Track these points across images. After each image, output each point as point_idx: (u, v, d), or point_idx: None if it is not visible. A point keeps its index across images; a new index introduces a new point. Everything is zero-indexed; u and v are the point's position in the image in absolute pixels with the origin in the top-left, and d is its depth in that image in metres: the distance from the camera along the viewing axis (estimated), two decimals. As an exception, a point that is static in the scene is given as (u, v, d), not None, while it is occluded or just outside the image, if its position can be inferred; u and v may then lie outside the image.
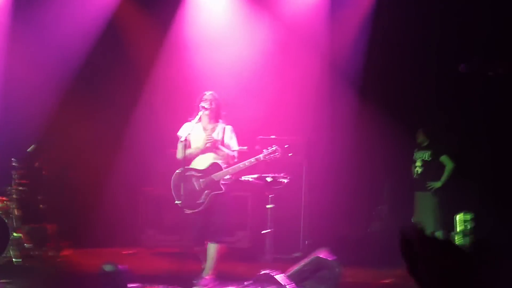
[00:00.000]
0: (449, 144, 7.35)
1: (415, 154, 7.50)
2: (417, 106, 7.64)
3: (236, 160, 5.49)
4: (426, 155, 7.38)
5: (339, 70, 7.60)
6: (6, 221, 6.30)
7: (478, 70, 5.74)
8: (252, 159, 5.34)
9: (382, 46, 7.56)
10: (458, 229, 6.85)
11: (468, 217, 6.76)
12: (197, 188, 5.37)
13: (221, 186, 5.39)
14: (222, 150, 5.48)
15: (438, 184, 7.25)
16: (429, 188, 7.30)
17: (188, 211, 5.26)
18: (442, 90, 7.47)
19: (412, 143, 7.56)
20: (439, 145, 7.35)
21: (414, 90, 7.63)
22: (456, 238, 6.82)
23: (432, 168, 7.32)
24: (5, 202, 6.57)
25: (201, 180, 5.39)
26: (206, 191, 5.37)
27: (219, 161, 5.46)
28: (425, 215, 7.33)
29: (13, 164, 6.56)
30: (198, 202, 5.33)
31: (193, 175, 5.39)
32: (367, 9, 7.65)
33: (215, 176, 5.39)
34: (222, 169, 5.40)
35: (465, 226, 6.81)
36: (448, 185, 7.27)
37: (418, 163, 7.41)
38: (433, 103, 7.59)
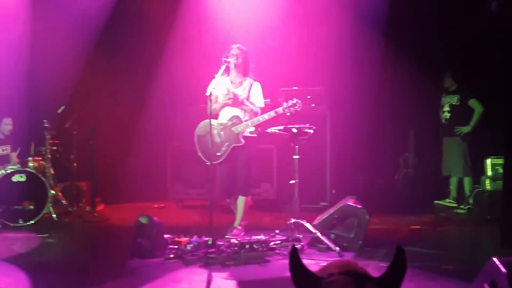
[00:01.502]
0: (478, 88, 7.19)
1: (442, 99, 7.39)
2: (443, 50, 7.45)
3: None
4: (454, 99, 7.25)
5: (362, 16, 7.40)
6: (42, 179, 6.55)
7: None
8: (272, 112, 5.34)
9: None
10: (488, 174, 6.80)
11: (499, 161, 6.69)
12: (218, 140, 5.44)
13: (241, 139, 5.45)
14: (246, 105, 5.51)
15: (467, 129, 7.15)
16: (458, 133, 7.21)
17: (208, 163, 5.36)
18: (470, 33, 7.23)
19: (438, 88, 7.42)
20: (467, 89, 7.20)
21: (440, 34, 7.40)
22: (486, 183, 6.79)
23: (461, 113, 7.21)
24: (40, 162, 6.82)
25: (221, 132, 5.46)
26: (226, 144, 5.45)
27: (242, 115, 5.50)
28: (453, 161, 7.29)
29: (45, 125, 6.77)
30: (218, 154, 5.41)
31: (214, 128, 5.46)
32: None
33: (235, 128, 5.45)
34: (242, 122, 5.45)
35: (496, 170, 6.74)
36: (476, 130, 7.17)
37: (446, 108, 7.30)
38: (460, 47, 7.37)
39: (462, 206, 7.11)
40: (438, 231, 6.15)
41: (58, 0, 7.52)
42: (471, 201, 6.99)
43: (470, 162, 7.21)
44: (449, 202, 7.34)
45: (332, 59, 7.36)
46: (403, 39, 7.41)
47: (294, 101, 5.29)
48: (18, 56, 7.48)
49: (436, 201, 7.38)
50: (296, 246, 4.72)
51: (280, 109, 5.31)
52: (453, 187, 7.36)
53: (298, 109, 5.30)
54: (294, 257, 1.39)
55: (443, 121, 7.36)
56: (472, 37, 7.20)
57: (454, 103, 7.25)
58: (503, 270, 2.87)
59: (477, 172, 7.01)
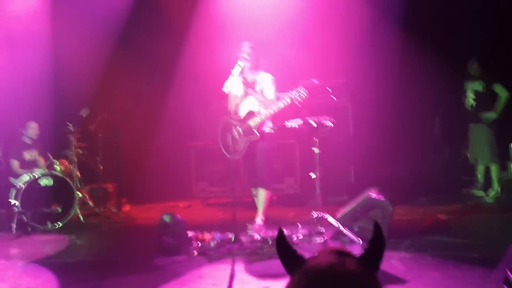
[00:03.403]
0: (503, 73, 7.03)
1: (466, 84, 7.22)
2: (462, 37, 7.31)
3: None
4: (479, 86, 7.09)
5: (381, 5, 7.32)
6: (69, 183, 6.68)
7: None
8: (280, 103, 5.34)
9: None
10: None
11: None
12: (237, 135, 5.53)
13: (257, 132, 5.48)
14: (262, 98, 5.54)
15: (493, 115, 6.99)
16: (485, 119, 7.05)
17: (231, 158, 5.40)
18: (490, 19, 7.09)
19: (460, 74, 7.28)
20: (492, 75, 7.04)
21: (460, 21, 7.27)
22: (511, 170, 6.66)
23: (486, 99, 7.05)
24: (66, 165, 6.96)
25: (239, 128, 5.53)
26: (244, 139, 5.52)
27: (258, 108, 5.53)
28: (480, 147, 7.13)
29: (70, 128, 6.90)
30: (238, 149, 5.48)
31: (233, 124, 5.56)
32: None
33: (251, 122, 5.50)
34: (256, 115, 5.49)
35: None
36: (501, 115, 7.01)
37: (471, 95, 7.14)
38: (480, 33, 7.22)
39: (490, 194, 6.97)
40: (464, 220, 6.03)
41: (78, 4, 7.65)
42: (498, 188, 6.85)
43: (497, 149, 7.06)
44: (477, 190, 7.20)
45: (352, 51, 7.31)
46: (423, 26, 7.31)
47: (301, 89, 5.24)
48: (41, 61, 7.64)
49: (463, 189, 7.25)
50: (318, 240, 4.74)
51: (287, 99, 5.28)
52: (480, 175, 7.22)
53: (306, 97, 5.25)
54: (280, 238, 1.47)
55: (468, 107, 7.21)
56: (494, 22, 7.05)
57: (478, 90, 7.10)
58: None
59: (503, 158, 6.87)
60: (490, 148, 7.06)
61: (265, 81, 5.60)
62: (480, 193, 7.12)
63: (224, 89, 5.36)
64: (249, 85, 5.61)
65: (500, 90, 6.96)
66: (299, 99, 5.23)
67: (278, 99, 5.48)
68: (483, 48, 7.24)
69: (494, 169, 7.05)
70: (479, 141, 7.15)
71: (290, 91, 5.30)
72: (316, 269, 1.36)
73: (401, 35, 7.35)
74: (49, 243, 5.83)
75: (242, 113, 5.63)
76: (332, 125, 5.42)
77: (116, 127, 7.26)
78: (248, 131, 5.52)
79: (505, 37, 7.01)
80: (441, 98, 7.47)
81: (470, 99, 7.16)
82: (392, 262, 4.37)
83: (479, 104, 7.09)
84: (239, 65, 5.41)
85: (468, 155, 7.35)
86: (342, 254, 1.40)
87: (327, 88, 7.01)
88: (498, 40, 7.12)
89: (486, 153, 7.08)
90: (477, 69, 7.12)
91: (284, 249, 1.47)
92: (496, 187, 6.94)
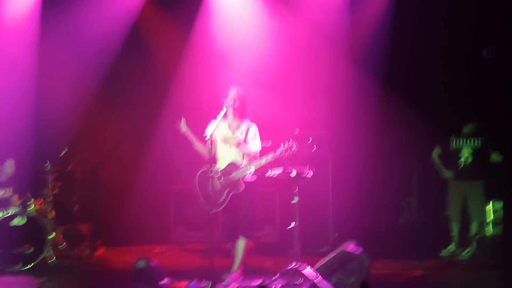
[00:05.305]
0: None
1: (459, 142, 7.22)
2: (442, 95, 7.55)
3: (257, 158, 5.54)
4: (476, 142, 7.11)
5: (362, 61, 7.56)
6: (43, 223, 6.54)
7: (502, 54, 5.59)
8: (268, 156, 5.38)
9: (405, 36, 7.47)
10: (489, 219, 6.74)
11: (499, 206, 6.65)
12: (218, 187, 5.46)
13: (241, 185, 5.45)
14: (245, 148, 5.54)
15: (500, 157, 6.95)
16: (495, 160, 6.98)
17: (211, 210, 5.34)
18: (469, 78, 7.35)
19: (438, 132, 7.41)
20: (490, 140, 7.11)
21: (440, 79, 7.54)
22: (486, 228, 6.73)
23: (484, 156, 7.03)
24: (41, 204, 6.83)
25: (221, 179, 5.48)
26: (226, 190, 5.46)
27: (240, 159, 5.52)
28: (477, 204, 7.03)
29: (47, 167, 6.81)
30: (219, 201, 5.42)
31: (214, 175, 5.46)
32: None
33: (234, 175, 5.47)
34: (240, 168, 5.46)
35: (496, 215, 6.69)
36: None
37: (468, 150, 7.15)
38: (459, 91, 7.48)
39: (466, 251, 6.98)
40: (441, 276, 6.06)
41: (65, 42, 7.71)
42: (474, 246, 6.88)
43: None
44: (452, 248, 7.19)
45: (334, 103, 7.47)
46: (404, 82, 7.54)
47: (290, 143, 5.31)
48: (23, 98, 7.61)
49: (441, 253, 7.20)
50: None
51: (276, 153, 5.33)
52: (455, 233, 7.24)
53: (295, 151, 5.31)
54: None
55: (463, 165, 7.21)
56: (472, 81, 7.31)
57: (476, 147, 7.13)
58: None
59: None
60: (484, 205, 7.05)
61: (250, 130, 5.58)
62: (455, 250, 7.12)
63: (206, 134, 5.39)
64: (233, 133, 5.60)
65: (496, 156, 7.04)
66: (289, 153, 5.27)
67: (263, 150, 5.49)
68: (464, 107, 7.43)
69: (475, 226, 7.05)
70: (476, 198, 7.05)
71: (281, 144, 5.32)
72: None
73: (382, 89, 7.55)
74: (17, 285, 5.65)
75: (223, 162, 5.57)
76: (312, 175, 5.48)
77: (96, 167, 7.19)
78: (231, 183, 5.47)
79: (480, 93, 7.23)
80: (421, 152, 7.58)
81: (467, 156, 7.18)
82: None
83: (477, 160, 7.09)
84: (223, 111, 5.45)
85: (450, 213, 7.34)
86: None
87: (309, 138, 7.12)
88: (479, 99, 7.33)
89: (481, 211, 7.01)
90: (473, 130, 7.19)
91: None
92: (472, 244, 6.96)
